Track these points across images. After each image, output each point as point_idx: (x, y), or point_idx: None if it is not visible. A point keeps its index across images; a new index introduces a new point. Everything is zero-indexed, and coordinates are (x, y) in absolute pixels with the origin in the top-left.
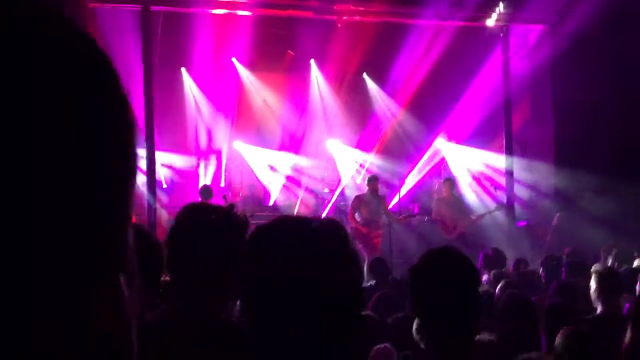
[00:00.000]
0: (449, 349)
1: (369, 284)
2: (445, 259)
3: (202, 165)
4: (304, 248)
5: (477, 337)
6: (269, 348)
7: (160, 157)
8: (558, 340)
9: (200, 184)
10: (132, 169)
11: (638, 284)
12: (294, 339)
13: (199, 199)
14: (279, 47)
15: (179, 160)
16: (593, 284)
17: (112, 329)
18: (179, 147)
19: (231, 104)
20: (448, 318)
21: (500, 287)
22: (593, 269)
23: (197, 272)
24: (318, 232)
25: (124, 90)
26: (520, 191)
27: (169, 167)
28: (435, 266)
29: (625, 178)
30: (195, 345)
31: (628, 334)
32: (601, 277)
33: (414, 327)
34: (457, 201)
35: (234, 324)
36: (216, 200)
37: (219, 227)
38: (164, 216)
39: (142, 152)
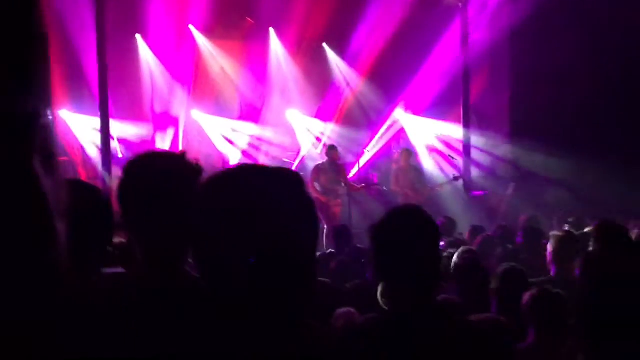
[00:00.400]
0: (414, 309)
1: (328, 251)
2: (408, 216)
3: (158, 134)
4: (260, 195)
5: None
6: (224, 302)
7: (116, 126)
8: (526, 300)
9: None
10: None
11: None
12: (247, 291)
13: None
14: (237, 13)
15: (135, 130)
16: (550, 247)
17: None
18: (135, 116)
19: (188, 72)
20: (411, 275)
21: (458, 253)
22: (552, 233)
23: (155, 226)
24: (274, 179)
25: None
26: (477, 160)
27: (124, 138)
28: (398, 223)
29: (584, 147)
30: (165, 308)
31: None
32: (559, 240)
33: (379, 290)
34: (415, 171)
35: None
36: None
37: (172, 175)
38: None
39: (96, 121)
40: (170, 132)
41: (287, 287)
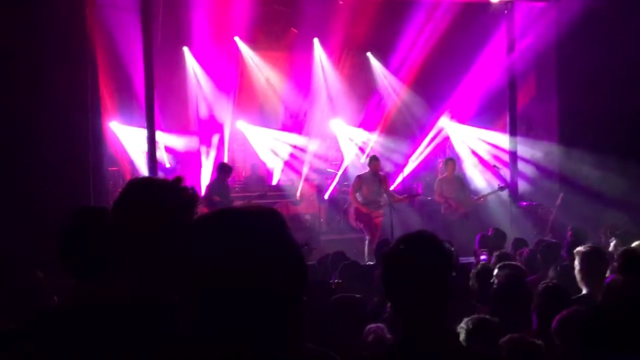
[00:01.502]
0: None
1: (369, 263)
2: (417, 245)
3: (204, 145)
4: (237, 242)
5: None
6: (212, 334)
7: (163, 137)
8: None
9: (203, 164)
10: None
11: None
12: (234, 326)
13: (216, 174)
14: (281, 25)
15: (182, 141)
16: (577, 264)
17: None
18: (181, 127)
19: (233, 82)
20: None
21: (499, 267)
22: (577, 249)
23: (143, 248)
24: (252, 224)
25: None
26: (524, 170)
27: (171, 148)
28: (407, 252)
29: (634, 156)
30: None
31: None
32: (584, 257)
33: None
34: (459, 181)
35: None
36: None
37: (165, 202)
38: None
39: (142, 133)
40: (215, 142)
41: (270, 326)
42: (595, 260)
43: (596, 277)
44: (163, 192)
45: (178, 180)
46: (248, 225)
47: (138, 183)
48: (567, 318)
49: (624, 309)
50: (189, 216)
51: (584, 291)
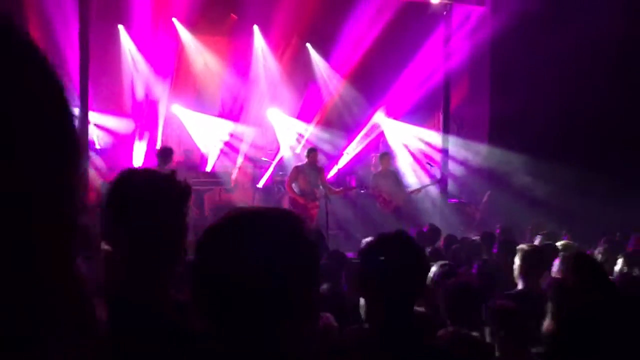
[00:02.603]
0: (391, 324)
1: None
2: (394, 245)
3: (138, 127)
4: (257, 250)
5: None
6: (228, 345)
7: (94, 117)
8: (488, 315)
9: (136, 147)
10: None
11: (555, 264)
12: (253, 335)
13: (157, 160)
14: (222, 9)
15: (114, 122)
16: (517, 260)
17: (69, 300)
18: (114, 108)
19: (170, 65)
20: (393, 301)
21: (440, 274)
22: (519, 246)
23: (138, 242)
24: (272, 229)
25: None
26: (454, 168)
27: (103, 128)
28: (385, 251)
29: (561, 159)
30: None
31: (547, 320)
32: (525, 255)
33: (361, 306)
34: (393, 175)
35: (180, 302)
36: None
37: (159, 193)
38: (95, 179)
39: (75, 111)
40: (150, 126)
41: (287, 332)
42: (535, 259)
43: (534, 275)
44: (162, 182)
45: (173, 173)
46: (265, 228)
47: (136, 172)
48: (500, 310)
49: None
50: (185, 207)
51: (520, 286)
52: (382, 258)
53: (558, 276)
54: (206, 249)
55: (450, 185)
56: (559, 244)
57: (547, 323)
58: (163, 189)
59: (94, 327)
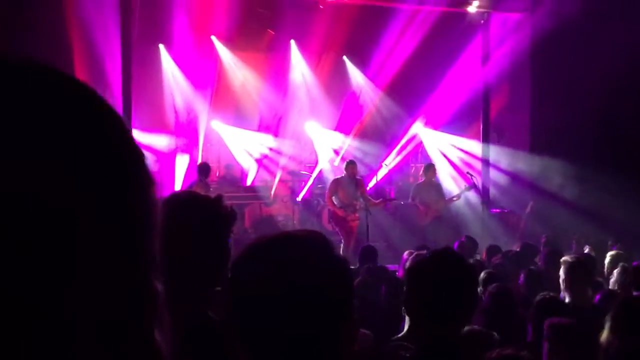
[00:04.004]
0: (438, 345)
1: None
2: (445, 263)
3: (179, 144)
4: (287, 275)
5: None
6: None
7: (137, 135)
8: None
9: (178, 163)
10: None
11: (612, 279)
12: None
13: (197, 175)
14: (259, 26)
15: (156, 139)
16: (562, 273)
17: None
18: (155, 126)
19: (210, 82)
20: (440, 320)
21: (481, 280)
22: (563, 259)
23: (182, 267)
24: (300, 254)
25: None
26: (495, 178)
27: (145, 146)
28: (433, 269)
29: (605, 166)
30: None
31: (606, 335)
32: (570, 267)
33: (406, 326)
34: (435, 187)
35: (219, 322)
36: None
37: (204, 220)
38: None
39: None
40: (191, 142)
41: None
42: (580, 270)
43: (580, 287)
44: (209, 207)
45: (219, 197)
46: (296, 251)
47: (183, 197)
48: (557, 325)
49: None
50: (230, 231)
51: (567, 299)
52: (434, 276)
53: (615, 288)
54: (241, 270)
55: (493, 195)
56: (609, 254)
57: (606, 337)
58: (211, 214)
59: None
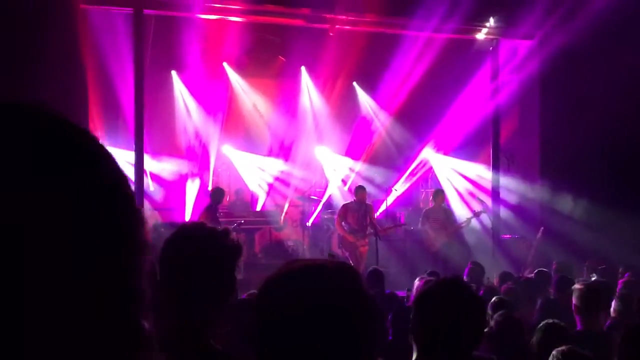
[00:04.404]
0: None
1: None
2: (450, 292)
3: (190, 169)
4: (316, 310)
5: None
6: None
7: (148, 160)
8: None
9: (188, 187)
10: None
11: (612, 305)
12: None
13: (209, 201)
14: (270, 52)
15: (167, 164)
16: (574, 300)
17: None
18: (167, 150)
19: (221, 108)
20: (446, 349)
21: (492, 305)
22: (574, 286)
23: (188, 294)
24: (332, 278)
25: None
26: (506, 204)
27: (154, 175)
28: (439, 298)
29: (618, 191)
30: None
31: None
32: (581, 294)
33: (414, 355)
34: (445, 212)
35: (222, 353)
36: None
37: (210, 252)
38: (150, 218)
39: (129, 155)
40: (202, 167)
41: None
42: (592, 297)
43: (592, 314)
44: (219, 239)
45: (226, 230)
46: (324, 282)
47: (191, 229)
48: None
49: None
50: (237, 263)
51: (579, 327)
52: (441, 306)
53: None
54: (265, 300)
55: (503, 221)
56: (620, 281)
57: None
58: (220, 246)
59: None
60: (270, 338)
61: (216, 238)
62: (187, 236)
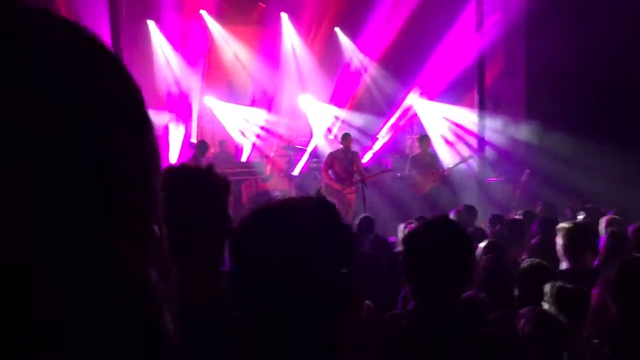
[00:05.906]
0: (436, 312)
1: None
2: (440, 231)
3: (173, 120)
4: (291, 238)
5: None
6: (267, 342)
7: None
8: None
9: (171, 139)
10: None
11: (603, 241)
12: (292, 331)
13: (194, 153)
14: None
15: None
16: (559, 239)
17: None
18: (148, 102)
19: (201, 57)
20: (439, 287)
21: (483, 248)
22: (559, 225)
23: (186, 238)
24: (308, 221)
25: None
26: (491, 147)
27: None
28: (430, 237)
29: (604, 134)
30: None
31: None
32: (567, 233)
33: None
34: (431, 158)
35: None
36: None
37: (198, 190)
38: None
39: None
40: (184, 118)
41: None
42: (580, 236)
43: (578, 253)
44: (201, 177)
45: (210, 166)
46: (297, 216)
47: (178, 168)
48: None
49: None
50: (226, 200)
51: (564, 265)
52: (429, 245)
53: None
54: (243, 237)
55: (488, 164)
56: (604, 218)
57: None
58: (203, 184)
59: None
60: (247, 281)
61: (203, 175)
62: (174, 175)
